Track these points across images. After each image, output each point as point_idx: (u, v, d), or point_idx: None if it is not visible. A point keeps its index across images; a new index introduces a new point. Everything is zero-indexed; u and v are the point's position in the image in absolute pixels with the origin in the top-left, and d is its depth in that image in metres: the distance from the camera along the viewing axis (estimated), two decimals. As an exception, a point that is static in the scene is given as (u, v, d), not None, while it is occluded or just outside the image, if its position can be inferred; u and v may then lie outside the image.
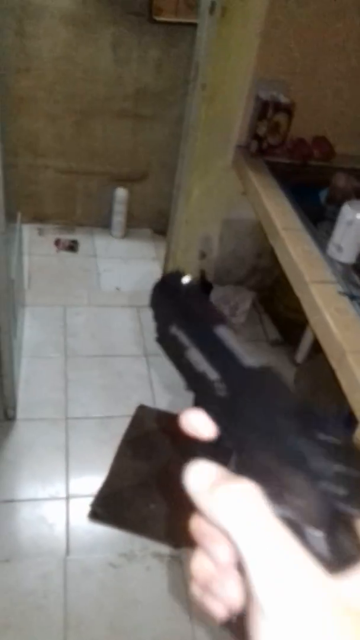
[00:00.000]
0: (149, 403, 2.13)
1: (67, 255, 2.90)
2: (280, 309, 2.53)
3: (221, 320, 0.26)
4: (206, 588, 0.27)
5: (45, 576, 1.57)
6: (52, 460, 1.88)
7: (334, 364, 1.28)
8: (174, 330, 0.28)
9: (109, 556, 1.65)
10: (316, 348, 2.33)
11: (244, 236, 2.44)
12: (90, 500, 1.77)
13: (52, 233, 3.03)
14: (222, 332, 0.25)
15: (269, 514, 0.24)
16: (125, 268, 2.87)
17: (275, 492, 0.23)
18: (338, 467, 0.21)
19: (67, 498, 1.78)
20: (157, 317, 0.30)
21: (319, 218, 1.70)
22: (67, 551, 1.65)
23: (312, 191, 1.87)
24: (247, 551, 0.24)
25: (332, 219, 1.54)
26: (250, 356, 0.25)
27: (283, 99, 1.94)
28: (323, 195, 1.83)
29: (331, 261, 1.51)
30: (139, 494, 1.80)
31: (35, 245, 2.91)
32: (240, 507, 0.25)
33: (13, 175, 2.63)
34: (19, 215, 2.42)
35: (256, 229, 2.33)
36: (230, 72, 1.94)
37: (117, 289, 2.72)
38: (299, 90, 1.98)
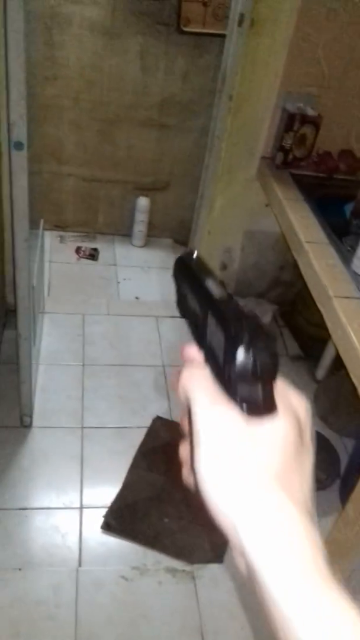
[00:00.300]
0: (165, 415, 2.15)
1: (87, 263, 2.95)
2: (302, 324, 2.54)
3: (210, 275, 0.38)
4: (185, 464, 0.39)
5: (57, 586, 1.59)
6: (67, 469, 1.91)
7: (356, 381, 1.29)
8: (184, 289, 0.41)
9: (121, 569, 1.66)
10: (338, 364, 2.33)
11: (266, 248, 2.46)
12: (104, 511, 1.79)
13: (73, 241, 3.08)
14: (209, 283, 0.37)
15: (209, 384, 0.36)
16: (145, 277, 2.91)
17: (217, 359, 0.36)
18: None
19: (81, 508, 1.80)
20: (176, 284, 0.42)
21: (344, 232, 1.71)
22: (80, 562, 1.66)
23: (337, 205, 1.88)
24: (193, 408, 0.36)
25: (358, 233, 1.56)
26: (218, 290, 0.37)
27: (310, 112, 1.97)
28: (348, 209, 1.85)
29: (356, 276, 1.52)
30: (153, 508, 1.81)
31: (56, 253, 2.97)
32: (191, 381, 0.38)
33: (37, 182, 2.69)
34: (42, 222, 2.48)
35: (279, 241, 2.35)
36: (257, 84, 1.98)
37: (137, 298, 2.75)
38: (326, 103, 2.00)
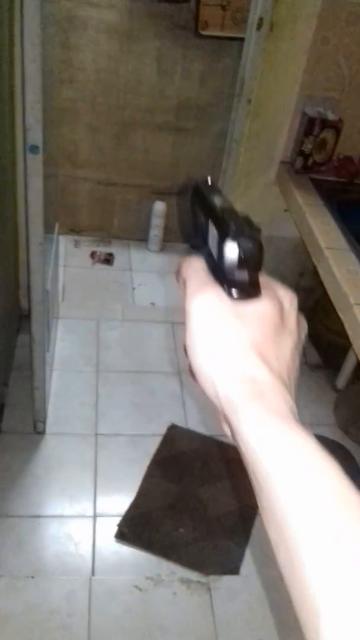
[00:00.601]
0: (180, 423, 2.16)
1: (102, 268, 2.98)
2: (322, 331, 2.54)
3: (218, 192, 0.44)
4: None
5: (70, 595, 1.61)
6: (81, 476, 1.93)
7: (376, 389, 1.29)
8: (197, 211, 0.46)
9: (135, 579, 1.67)
10: (359, 373, 2.33)
11: (285, 254, 2.46)
12: (118, 520, 1.80)
13: (88, 245, 3.11)
14: (214, 197, 0.43)
15: (204, 273, 0.42)
16: (161, 283, 2.93)
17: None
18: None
19: (95, 517, 1.82)
20: (192, 209, 0.47)
21: (365, 238, 1.72)
22: (93, 571, 1.68)
23: (358, 210, 1.89)
24: (187, 291, 0.42)
25: (379, 240, 1.56)
26: (219, 202, 0.43)
27: (331, 116, 1.98)
28: (370, 214, 1.85)
29: (377, 283, 1.53)
30: (168, 517, 1.82)
31: (71, 257, 3.00)
32: (188, 269, 0.43)
33: (52, 185, 2.73)
34: (57, 226, 2.51)
35: (299, 247, 2.36)
36: (277, 88, 2.00)
37: (152, 304, 2.77)
38: (347, 107, 2.02)
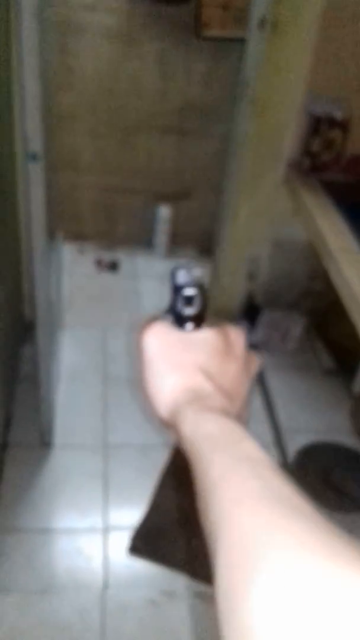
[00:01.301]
0: (191, 433, 2.18)
1: (108, 275, 3.02)
2: (335, 336, 2.56)
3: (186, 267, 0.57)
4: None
5: (82, 611, 1.64)
6: (90, 489, 1.96)
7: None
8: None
9: (149, 593, 1.70)
10: (373, 378, 2.34)
11: (295, 257, 2.49)
12: (130, 533, 1.83)
13: (92, 252, 3.16)
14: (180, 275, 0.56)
15: (162, 327, 0.52)
16: (168, 290, 2.96)
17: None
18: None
19: (106, 530, 1.85)
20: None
21: (376, 239, 1.74)
22: (105, 585, 1.71)
23: (368, 210, 1.92)
24: (144, 340, 0.51)
25: (390, 240, 1.59)
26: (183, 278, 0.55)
27: (338, 115, 2.01)
28: (380, 214, 1.88)
29: (389, 284, 1.55)
30: (182, 529, 1.85)
31: (76, 265, 3.05)
32: (149, 328, 0.51)
33: (54, 193, 2.78)
34: (60, 234, 2.56)
35: (309, 250, 2.39)
36: (281, 88, 2.03)
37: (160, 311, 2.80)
38: (354, 105, 2.05)
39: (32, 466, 2.01)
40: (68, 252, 3.06)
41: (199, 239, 3.21)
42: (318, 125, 2.01)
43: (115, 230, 3.23)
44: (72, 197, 3.09)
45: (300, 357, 2.57)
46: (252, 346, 2.60)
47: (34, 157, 1.50)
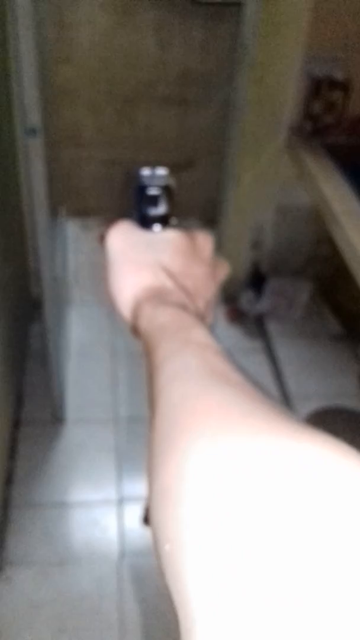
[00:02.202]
0: (201, 403, 2.17)
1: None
2: (342, 301, 2.52)
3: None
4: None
5: (100, 580, 1.65)
6: (103, 462, 1.96)
7: None
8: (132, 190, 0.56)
9: (164, 561, 1.70)
10: (381, 342, 2.31)
11: (300, 223, 2.44)
12: (143, 503, 1.83)
13: (97, 228, 3.11)
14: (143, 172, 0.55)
15: (127, 225, 0.49)
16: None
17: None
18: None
19: (120, 501, 1.85)
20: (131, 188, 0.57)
21: (380, 200, 1.69)
22: (121, 555, 1.71)
23: (372, 172, 1.86)
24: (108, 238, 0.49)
25: (395, 201, 1.54)
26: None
27: (338, 76, 1.94)
28: (385, 175, 1.82)
29: (395, 246, 1.51)
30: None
31: (80, 241, 3.01)
32: (114, 226, 0.50)
33: (56, 168, 2.73)
34: (63, 210, 2.51)
35: (314, 215, 2.33)
36: (280, 50, 1.96)
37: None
38: (355, 65, 1.97)
39: (45, 442, 2.01)
40: (72, 228, 3.02)
41: (203, 209, 3.15)
42: (318, 87, 1.94)
43: (118, 204, 3.18)
44: (74, 172, 3.03)
45: (307, 323, 2.53)
46: (259, 315, 2.57)
47: (33, 131, 1.46)
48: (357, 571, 0.18)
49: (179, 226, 0.51)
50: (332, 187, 1.79)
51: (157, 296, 0.45)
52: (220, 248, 2.57)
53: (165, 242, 0.48)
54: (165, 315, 0.42)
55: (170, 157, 3.03)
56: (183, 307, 0.43)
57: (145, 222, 0.50)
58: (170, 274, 0.47)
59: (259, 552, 0.19)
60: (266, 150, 2.20)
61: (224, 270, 0.51)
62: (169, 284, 0.46)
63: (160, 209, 0.51)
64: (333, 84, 1.93)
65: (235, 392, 0.30)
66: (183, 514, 0.23)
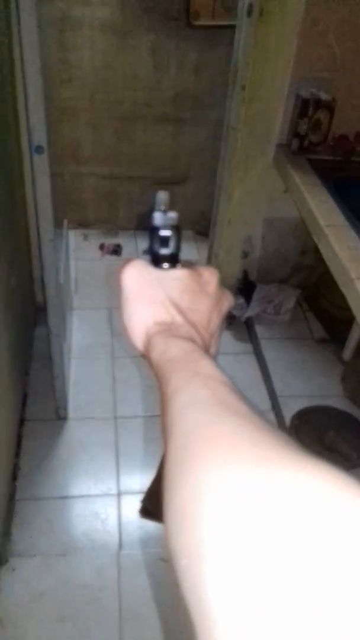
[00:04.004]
0: (195, 402, 2.16)
1: (111, 259, 2.97)
2: (326, 307, 2.52)
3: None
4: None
5: (100, 570, 1.63)
6: (103, 457, 1.94)
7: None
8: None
9: (161, 551, 1.68)
10: (363, 345, 2.31)
11: (286, 234, 2.44)
12: (141, 496, 1.81)
13: (96, 238, 3.10)
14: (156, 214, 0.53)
15: (141, 264, 0.49)
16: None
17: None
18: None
19: (119, 494, 1.83)
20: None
21: (363, 214, 1.69)
22: (120, 546, 1.69)
23: (355, 187, 1.86)
24: (122, 276, 0.49)
25: (377, 214, 1.53)
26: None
27: (323, 96, 1.94)
28: (367, 190, 1.82)
29: (377, 256, 1.50)
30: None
31: (81, 250, 2.99)
32: (128, 264, 0.50)
33: (58, 183, 2.71)
34: (65, 222, 2.50)
35: (299, 227, 2.33)
36: (270, 72, 1.96)
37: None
38: (340, 86, 1.97)
39: (48, 439, 1.99)
40: (73, 238, 3.01)
41: (196, 222, 3.15)
42: (305, 107, 1.93)
43: (116, 216, 3.17)
44: (75, 186, 3.02)
45: (293, 328, 2.53)
46: (248, 320, 2.57)
47: (39, 149, 1.45)
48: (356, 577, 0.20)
49: (187, 263, 0.52)
50: (317, 201, 1.79)
51: (167, 330, 0.46)
52: (212, 258, 2.56)
53: (174, 279, 0.49)
54: (175, 348, 0.42)
55: (165, 172, 3.02)
56: (191, 340, 0.44)
57: (157, 260, 0.51)
58: (179, 309, 0.48)
59: (270, 564, 0.22)
60: (255, 167, 2.20)
61: (228, 302, 0.52)
62: (178, 318, 0.47)
63: (171, 249, 0.51)
64: (319, 104, 1.93)
65: (243, 421, 0.31)
66: (202, 533, 0.25)
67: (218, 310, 0.50)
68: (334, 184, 1.85)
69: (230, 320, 2.52)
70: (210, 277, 0.51)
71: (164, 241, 0.51)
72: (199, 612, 0.24)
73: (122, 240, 3.10)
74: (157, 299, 0.48)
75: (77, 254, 2.94)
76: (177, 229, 0.52)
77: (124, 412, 2.11)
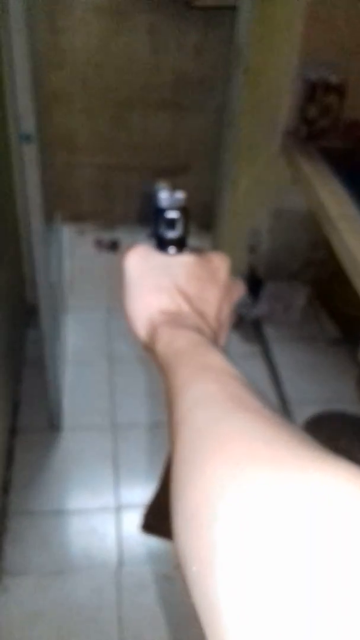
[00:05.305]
0: (199, 408, 2.16)
1: (108, 255, 2.98)
2: (339, 304, 2.53)
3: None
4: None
5: (99, 589, 1.64)
6: (101, 469, 1.95)
7: None
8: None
9: (164, 568, 1.69)
10: (379, 345, 2.31)
11: (296, 227, 2.44)
12: (141, 510, 1.82)
13: (92, 233, 3.11)
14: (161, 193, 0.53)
15: (145, 248, 0.50)
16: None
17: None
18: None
19: (118, 509, 1.84)
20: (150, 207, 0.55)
21: (377, 204, 1.70)
22: (120, 563, 1.70)
23: (368, 176, 1.86)
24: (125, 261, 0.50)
25: (392, 205, 1.54)
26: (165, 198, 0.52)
27: (333, 79, 1.95)
28: (381, 179, 1.83)
29: (392, 250, 1.51)
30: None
31: (76, 246, 3.00)
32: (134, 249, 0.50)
33: (51, 174, 2.73)
34: (58, 215, 2.51)
35: (309, 218, 2.34)
36: (275, 55, 1.97)
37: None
38: (350, 68, 1.98)
39: (42, 449, 2.00)
40: (67, 233, 3.01)
41: (198, 214, 3.13)
42: (313, 91, 1.94)
43: (113, 209, 3.18)
44: (69, 177, 3.03)
45: (304, 328, 2.54)
46: (256, 319, 2.57)
47: (27, 137, 1.46)
48: None
49: (196, 248, 0.51)
50: (328, 191, 1.79)
51: (173, 319, 0.45)
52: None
53: (181, 265, 0.49)
54: (182, 339, 0.42)
55: (165, 161, 3.03)
56: (199, 331, 0.44)
57: (162, 245, 0.50)
58: (186, 298, 0.47)
59: (285, 571, 0.22)
60: (262, 155, 2.21)
61: (238, 291, 0.52)
62: (185, 307, 0.47)
63: (177, 232, 0.50)
64: (328, 87, 1.93)
65: (255, 418, 0.31)
66: (213, 539, 0.25)
67: (228, 300, 0.50)
68: (346, 173, 1.86)
69: (236, 320, 2.53)
70: (220, 263, 0.51)
71: (171, 224, 0.50)
72: (210, 621, 0.24)
73: (120, 235, 3.11)
74: (162, 286, 0.48)
75: (72, 251, 2.95)
76: (184, 210, 0.51)
77: (122, 420, 2.12)
